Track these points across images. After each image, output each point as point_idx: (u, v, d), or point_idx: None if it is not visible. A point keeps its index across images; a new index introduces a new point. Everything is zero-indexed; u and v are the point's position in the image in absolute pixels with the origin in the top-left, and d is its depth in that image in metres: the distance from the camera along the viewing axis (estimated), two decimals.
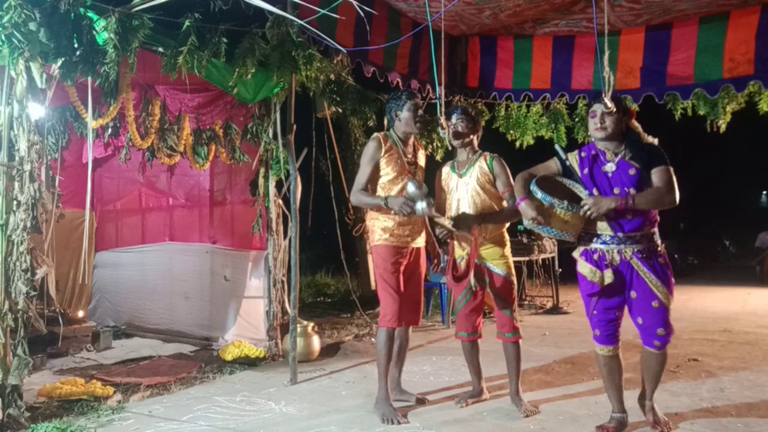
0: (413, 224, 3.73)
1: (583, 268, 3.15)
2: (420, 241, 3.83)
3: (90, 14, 3.41)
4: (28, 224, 3.35)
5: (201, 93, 5.00)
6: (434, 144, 6.70)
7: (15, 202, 3.34)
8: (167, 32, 3.88)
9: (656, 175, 3.06)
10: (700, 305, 8.48)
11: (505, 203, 3.70)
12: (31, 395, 3.88)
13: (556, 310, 7.95)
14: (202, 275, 6.04)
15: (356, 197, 3.71)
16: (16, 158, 3.35)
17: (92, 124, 3.96)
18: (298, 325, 4.77)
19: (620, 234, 3.08)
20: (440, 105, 4.13)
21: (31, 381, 4.07)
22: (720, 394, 3.97)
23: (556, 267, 8.26)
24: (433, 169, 4.02)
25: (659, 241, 3.12)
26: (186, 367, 4.82)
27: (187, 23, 3.84)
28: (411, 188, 3.48)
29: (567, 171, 3.27)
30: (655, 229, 3.14)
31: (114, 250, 6.85)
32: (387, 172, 3.69)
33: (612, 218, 3.08)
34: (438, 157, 6.64)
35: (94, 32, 3.39)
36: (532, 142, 7.24)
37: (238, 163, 5.44)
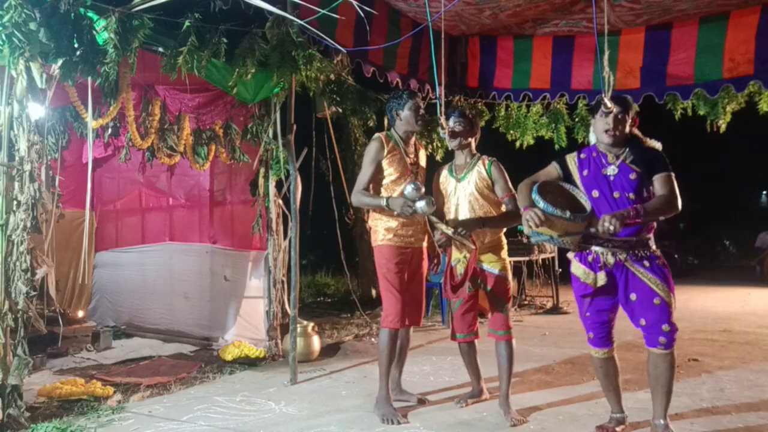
0: (416, 225, 3.73)
1: (577, 269, 3.15)
2: (423, 242, 3.83)
3: (90, 14, 3.41)
4: (28, 224, 3.35)
5: (201, 93, 5.00)
6: (434, 144, 6.70)
7: (15, 202, 3.34)
8: (167, 32, 3.88)
9: (659, 182, 3.02)
10: (700, 305, 8.48)
11: (503, 208, 3.69)
12: (31, 395, 3.88)
13: (556, 310, 7.95)
14: (202, 275, 6.04)
15: (357, 198, 3.70)
16: (16, 158, 3.35)
17: (92, 124, 3.96)
18: (298, 325, 4.77)
19: (617, 238, 3.06)
20: (440, 105, 4.13)
21: (31, 381, 4.07)
22: (720, 394, 3.97)
23: (556, 267, 8.26)
24: (433, 169, 4.01)
25: (654, 246, 3.11)
26: (186, 367, 4.82)
27: (187, 23, 3.84)
28: (409, 189, 3.49)
29: (567, 176, 3.26)
30: (651, 235, 3.12)
31: (114, 250, 6.86)
32: (390, 172, 3.68)
33: None
34: (438, 157, 6.65)
35: (94, 32, 3.39)
36: (532, 142, 7.24)
37: (238, 163, 5.44)
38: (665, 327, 3.00)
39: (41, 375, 4.59)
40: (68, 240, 6.30)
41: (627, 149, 3.14)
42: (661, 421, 3.09)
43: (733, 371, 4.60)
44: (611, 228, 2.84)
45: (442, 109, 4.04)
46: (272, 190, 5.21)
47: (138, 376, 4.52)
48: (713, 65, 5.71)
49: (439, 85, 4.23)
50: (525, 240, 7.91)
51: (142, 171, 5.98)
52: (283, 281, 5.23)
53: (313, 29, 4.17)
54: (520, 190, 3.23)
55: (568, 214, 2.98)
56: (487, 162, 3.72)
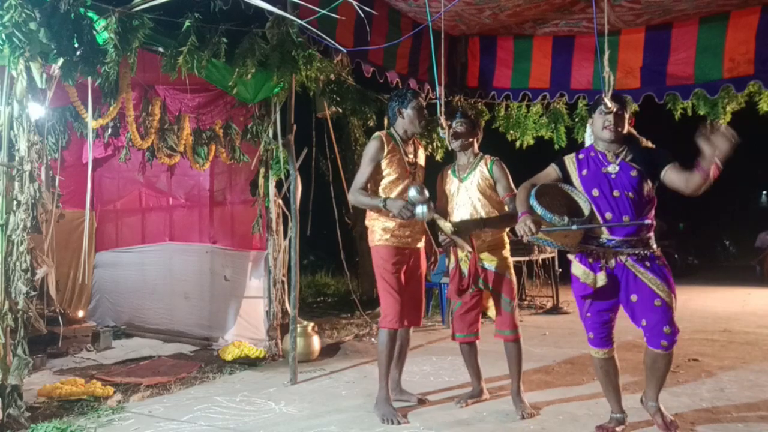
0: (414, 225, 3.72)
1: (577, 269, 3.15)
2: (420, 243, 3.82)
3: (90, 14, 3.41)
4: (28, 224, 3.35)
5: (201, 93, 5.00)
6: (434, 144, 6.70)
7: (15, 202, 3.34)
8: (167, 32, 3.88)
9: (675, 170, 3.03)
10: (700, 305, 8.48)
11: (505, 208, 3.69)
12: (31, 395, 3.88)
13: (556, 310, 7.95)
14: (202, 275, 6.04)
15: (355, 197, 3.69)
16: (16, 158, 3.35)
17: (92, 124, 3.96)
18: (298, 325, 4.77)
19: (617, 238, 3.08)
20: (440, 105, 4.13)
21: (31, 381, 4.06)
22: (720, 394, 3.97)
23: (556, 267, 8.26)
24: (432, 169, 4.01)
25: (655, 246, 3.12)
26: (186, 367, 4.82)
27: (187, 23, 3.84)
28: (412, 192, 3.44)
29: (566, 177, 3.26)
30: (651, 234, 3.13)
31: (114, 250, 6.86)
32: (388, 173, 3.67)
33: (609, 222, 3.08)
34: (438, 158, 6.64)
35: (95, 32, 3.39)
36: (532, 142, 7.24)
37: (238, 163, 5.44)
38: (666, 329, 3.00)
39: (41, 375, 4.59)
40: (68, 240, 6.30)
41: (626, 148, 3.16)
42: (653, 403, 3.19)
43: (733, 371, 4.60)
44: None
45: (442, 109, 4.04)
46: (272, 190, 5.21)
47: (138, 376, 4.52)
48: (713, 65, 5.71)
49: (439, 85, 4.23)
50: (525, 240, 7.91)
51: (142, 171, 5.98)
52: (283, 281, 5.23)
53: (313, 29, 4.17)
54: (519, 194, 3.24)
55: (566, 220, 2.99)
56: (489, 161, 3.74)
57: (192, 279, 6.12)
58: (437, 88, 4.24)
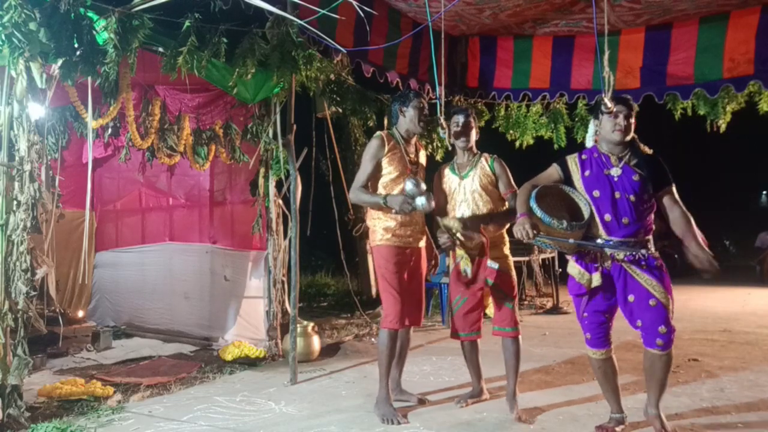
0: (414, 225, 3.73)
1: (573, 269, 3.16)
2: (421, 242, 3.83)
3: (90, 14, 3.41)
4: (28, 224, 3.35)
5: (201, 93, 5.00)
6: (434, 144, 6.71)
7: (15, 202, 3.34)
8: (167, 32, 3.88)
9: (669, 199, 3.12)
10: (700, 305, 8.47)
11: (506, 204, 3.71)
12: (31, 395, 3.88)
13: (556, 310, 7.95)
14: (202, 275, 6.04)
15: (356, 195, 3.70)
16: (16, 158, 3.35)
17: (92, 124, 3.96)
18: (298, 325, 4.77)
19: (615, 238, 3.08)
20: (440, 105, 4.13)
21: (31, 381, 4.06)
22: (720, 394, 3.97)
23: (556, 267, 8.26)
24: (433, 169, 4.02)
25: (653, 248, 3.12)
26: (186, 367, 4.82)
27: (187, 23, 3.84)
28: (409, 186, 3.48)
29: (568, 177, 3.26)
30: (650, 237, 3.14)
31: (114, 250, 6.86)
32: (389, 171, 3.68)
33: (608, 224, 3.08)
34: (438, 157, 6.65)
35: (94, 32, 3.39)
36: (531, 142, 7.25)
37: (238, 163, 5.44)
38: (662, 329, 3.01)
39: (41, 375, 4.59)
40: (68, 240, 6.30)
41: (629, 152, 3.17)
42: (654, 411, 3.16)
43: (733, 371, 4.60)
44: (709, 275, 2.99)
45: (442, 109, 4.05)
46: (272, 190, 5.21)
47: (138, 376, 4.52)
48: (713, 65, 5.71)
49: (439, 85, 4.23)
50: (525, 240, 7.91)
51: (142, 171, 5.98)
52: (283, 281, 5.23)
53: (313, 29, 4.18)
54: (520, 195, 3.25)
55: (564, 224, 3.00)
56: (489, 159, 3.76)
57: (192, 279, 6.12)
58: (437, 88, 4.24)
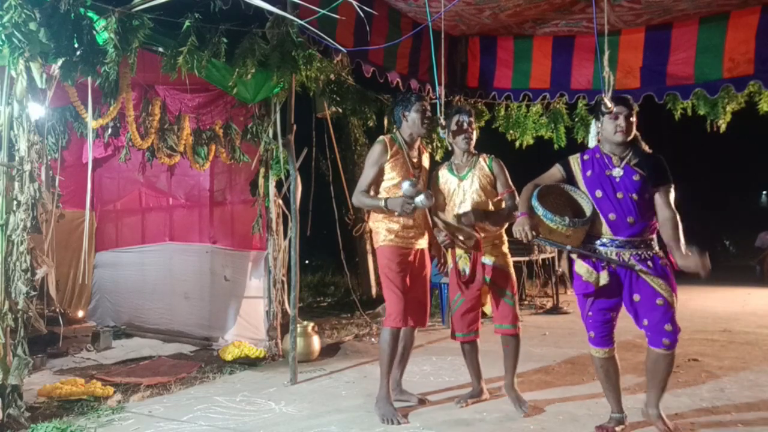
0: (417, 227, 3.74)
1: (580, 267, 3.16)
2: (423, 243, 3.83)
3: (90, 14, 3.41)
4: (28, 224, 3.35)
5: (201, 93, 5.00)
6: (434, 144, 6.71)
7: (15, 202, 3.33)
8: (167, 32, 3.88)
9: (662, 196, 3.09)
10: (700, 305, 8.47)
11: (504, 204, 3.71)
12: (31, 395, 3.88)
13: (556, 310, 7.95)
14: (202, 275, 6.04)
15: (358, 199, 3.73)
16: (16, 158, 3.35)
17: (92, 124, 3.96)
18: (298, 325, 4.77)
19: (620, 238, 3.09)
20: (440, 105, 4.13)
21: (31, 381, 4.07)
22: (720, 394, 3.97)
23: (556, 267, 8.26)
24: (433, 170, 4.01)
25: (657, 247, 3.13)
26: (186, 367, 4.82)
27: (187, 23, 3.84)
28: (406, 186, 3.49)
29: (571, 177, 3.27)
30: (654, 236, 3.15)
31: (114, 250, 6.86)
32: (392, 176, 3.69)
33: (614, 223, 3.09)
34: (438, 157, 6.65)
35: (94, 32, 3.39)
36: (531, 142, 7.25)
37: (238, 163, 5.44)
38: (668, 327, 3.01)
39: (41, 375, 4.59)
40: (68, 240, 6.30)
41: (630, 152, 3.17)
42: (654, 410, 3.17)
43: (733, 371, 4.60)
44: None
45: (442, 109, 4.04)
46: (272, 190, 5.21)
47: (138, 376, 4.52)
48: (713, 65, 5.71)
49: (439, 85, 4.23)
50: (532, 242, 7.91)
51: (142, 171, 5.98)
52: (283, 281, 5.23)
53: (313, 29, 4.17)
54: (522, 194, 3.25)
55: (566, 220, 3.00)
56: (487, 159, 3.77)
57: (192, 279, 6.12)
58: (437, 88, 4.24)
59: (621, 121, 3.11)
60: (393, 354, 3.67)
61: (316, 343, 5.22)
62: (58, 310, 5.48)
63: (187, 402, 3.95)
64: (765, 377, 4.41)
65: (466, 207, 3.68)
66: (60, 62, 3.28)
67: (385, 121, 6.30)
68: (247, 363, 4.93)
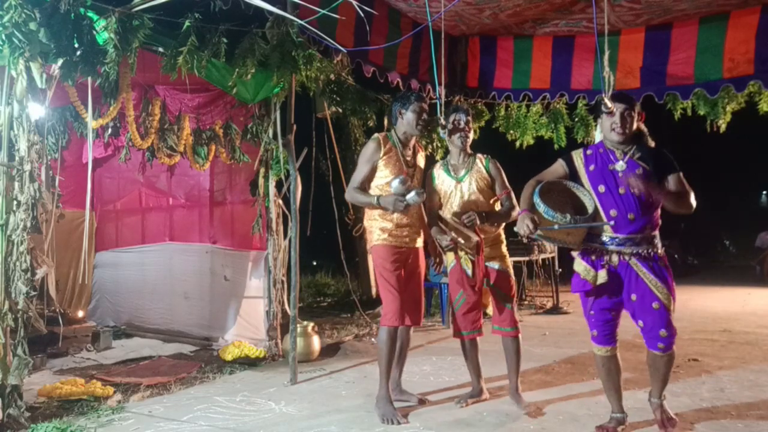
0: (411, 225, 3.74)
1: (578, 265, 3.16)
2: (419, 242, 3.84)
3: (90, 14, 3.41)
4: (28, 224, 3.35)
5: (201, 93, 5.00)
6: (434, 144, 6.70)
7: (15, 202, 3.33)
8: (167, 32, 3.88)
9: (675, 180, 3.09)
10: (700, 305, 8.47)
11: (499, 205, 3.72)
12: (31, 395, 3.88)
13: (556, 310, 7.94)
14: (202, 275, 6.04)
15: (351, 195, 3.76)
16: (16, 158, 3.35)
17: (92, 124, 3.96)
18: (298, 325, 4.77)
19: (620, 235, 3.08)
20: (440, 105, 4.13)
21: (31, 381, 4.06)
22: (720, 394, 3.97)
23: (556, 267, 8.26)
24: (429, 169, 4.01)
25: (660, 244, 3.12)
26: (186, 367, 4.82)
27: (187, 23, 3.84)
28: (395, 184, 3.53)
29: (574, 172, 3.26)
30: (656, 233, 3.14)
31: (114, 250, 6.86)
32: (385, 174, 3.69)
33: (614, 219, 3.08)
34: (438, 157, 6.65)
35: (94, 32, 3.39)
36: (531, 142, 7.25)
37: (238, 163, 5.44)
38: (663, 332, 3.03)
39: (41, 375, 4.59)
40: (68, 240, 6.30)
41: (634, 146, 3.15)
42: (657, 400, 3.21)
43: (733, 371, 4.60)
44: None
45: (442, 109, 4.05)
46: (272, 190, 5.21)
47: (138, 376, 4.52)
48: (713, 65, 5.71)
49: (439, 85, 4.23)
50: (525, 240, 7.91)
51: (142, 171, 5.98)
52: (283, 281, 5.23)
53: (313, 29, 4.17)
54: (524, 191, 3.25)
55: (568, 217, 2.99)
56: (484, 159, 3.78)
57: (192, 279, 6.12)
58: (437, 88, 4.24)
59: (617, 118, 3.10)
60: (392, 353, 3.67)
61: (316, 343, 5.22)
62: (58, 310, 5.48)
63: (187, 402, 3.95)
64: (765, 377, 4.41)
65: (465, 207, 3.68)
66: (60, 62, 3.28)
67: (385, 121, 6.30)
68: (247, 363, 4.93)
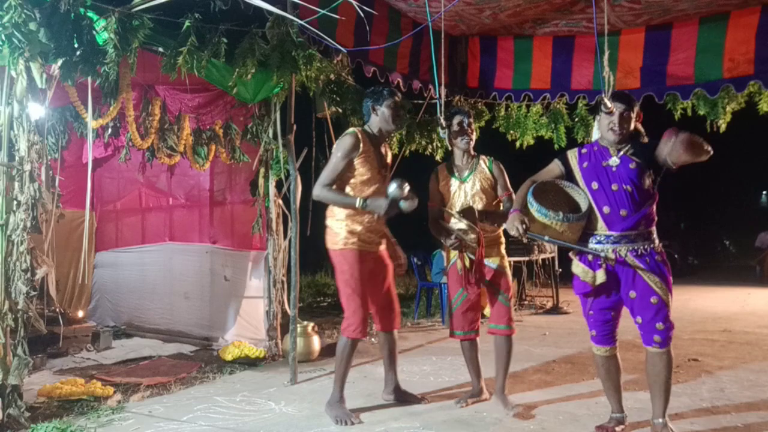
0: (379, 230, 3.66)
1: (576, 267, 3.16)
2: (382, 246, 3.74)
3: (90, 14, 3.41)
4: (28, 224, 3.35)
5: (201, 93, 5.00)
6: (434, 144, 6.70)
7: (15, 202, 3.33)
8: (167, 32, 3.88)
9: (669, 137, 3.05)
10: (700, 305, 8.48)
11: (502, 206, 3.73)
12: (31, 395, 3.88)
13: (556, 310, 7.95)
14: (202, 275, 6.04)
15: (322, 192, 3.52)
16: (16, 158, 3.35)
17: (92, 124, 3.96)
18: (298, 325, 4.77)
19: (615, 233, 3.08)
20: (440, 105, 4.13)
21: (31, 381, 4.07)
22: (720, 394, 3.97)
23: (556, 267, 8.26)
24: (427, 169, 4.00)
25: (657, 241, 3.12)
26: (186, 367, 4.82)
27: (187, 23, 3.84)
28: (393, 187, 3.40)
29: (569, 171, 3.27)
30: (653, 228, 3.13)
31: (114, 250, 6.86)
32: (361, 172, 3.53)
33: (608, 217, 3.08)
34: (438, 157, 6.65)
35: (94, 32, 3.39)
36: (532, 142, 7.25)
37: (238, 163, 5.44)
38: (659, 325, 3.01)
39: (41, 375, 4.59)
40: (68, 240, 6.30)
41: (629, 144, 3.16)
42: (660, 420, 3.11)
43: (733, 371, 4.60)
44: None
45: (442, 109, 4.05)
46: (272, 190, 5.21)
47: (138, 376, 4.52)
48: (713, 65, 5.71)
49: (440, 85, 4.23)
50: (525, 240, 7.91)
51: (142, 171, 5.99)
52: (283, 281, 5.23)
53: (313, 29, 4.17)
54: (519, 191, 3.26)
55: (560, 215, 3.00)
56: (487, 161, 3.79)
57: (192, 279, 6.12)
58: (438, 88, 4.24)
59: (615, 118, 3.10)
60: (348, 363, 3.60)
61: (316, 343, 5.22)
62: (58, 310, 5.48)
63: (187, 402, 3.95)
64: (765, 377, 4.41)
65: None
66: (60, 62, 3.28)
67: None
68: (247, 363, 4.93)
